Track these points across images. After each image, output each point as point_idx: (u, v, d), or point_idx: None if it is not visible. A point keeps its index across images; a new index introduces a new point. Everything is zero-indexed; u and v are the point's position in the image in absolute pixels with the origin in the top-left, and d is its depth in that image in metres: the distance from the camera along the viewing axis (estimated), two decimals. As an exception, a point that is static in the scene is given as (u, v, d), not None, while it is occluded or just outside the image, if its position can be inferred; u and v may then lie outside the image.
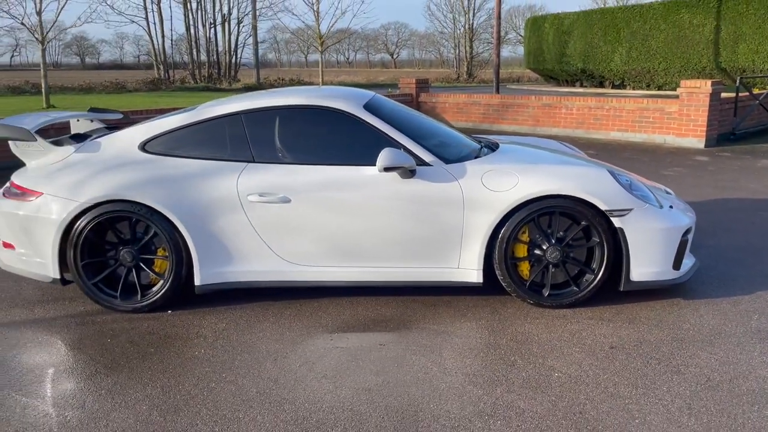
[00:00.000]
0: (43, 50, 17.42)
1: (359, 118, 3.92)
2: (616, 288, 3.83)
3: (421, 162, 3.80)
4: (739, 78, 11.78)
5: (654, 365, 3.14)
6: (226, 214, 3.78)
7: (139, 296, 3.85)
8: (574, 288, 3.82)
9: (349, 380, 3.03)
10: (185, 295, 3.95)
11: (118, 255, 3.84)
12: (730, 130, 11.37)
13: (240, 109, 4.01)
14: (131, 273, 3.87)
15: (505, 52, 68.39)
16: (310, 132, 3.98)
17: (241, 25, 34.25)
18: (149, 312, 3.85)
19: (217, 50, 33.86)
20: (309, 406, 2.81)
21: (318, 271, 3.86)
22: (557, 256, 3.77)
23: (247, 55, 36.93)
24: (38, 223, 3.80)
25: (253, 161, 3.87)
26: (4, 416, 2.76)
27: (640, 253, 3.72)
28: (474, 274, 3.81)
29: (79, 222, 3.74)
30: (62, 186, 3.78)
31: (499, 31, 16.45)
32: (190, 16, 32.81)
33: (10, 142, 4.04)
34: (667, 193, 4.40)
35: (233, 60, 34.29)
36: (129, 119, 6.00)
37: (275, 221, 3.78)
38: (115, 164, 3.85)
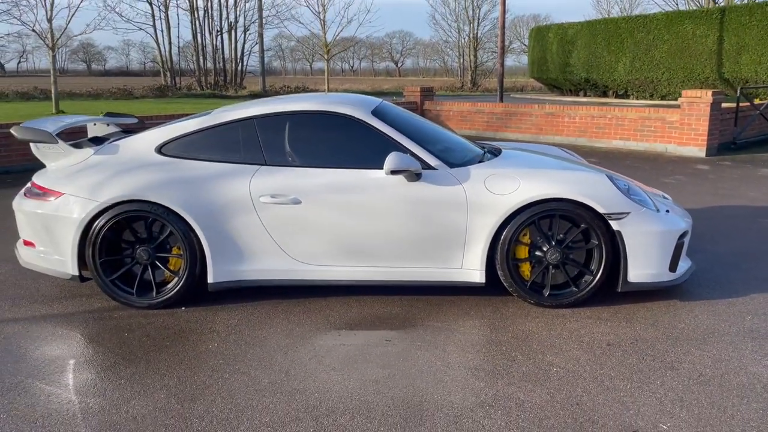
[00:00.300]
0: (54, 57, 17.68)
1: (367, 123, 4.07)
2: (614, 289, 3.97)
3: (427, 166, 3.95)
4: (739, 88, 11.93)
5: (649, 361, 3.27)
6: (239, 215, 3.93)
7: (154, 293, 4.00)
8: (574, 288, 3.96)
9: (357, 372, 3.17)
10: (198, 292, 4.10)
11: (135, 253, 4.00)
12: (731, 139, 11.51)
13: (253, 114, 4.17)
14: (147, 271, 4.02)
15: (509, 61, 68.79)
16: (320, 136, 4.14)
17: (248, 33, 34.62)
18: (164, 308, 4.00)
19: (223, 58, 34.20)
20: (319, 395, 2.95)
21: (326, 271, 4.01)
22: (557, 257, 3.91)
23: (252, 62, 37.24)
24: (59, 222, 3.96)
25: (266, 164, 4.03)
26: (30, 403, 2.91)
27: (637, 255, 3.85)
28: (477, 275, 3.95)
29: (98, 221, 3.90)
30: (82, 186, 3.95)
31: (503, 41, 16.64)
32: (197, 24, 33.16)
33: (31, 144, 4.21)
34: (665, 198, 4.54)
35: (239, 67, 34.62)
36: (144, 124, 6.17)
37: (286, 222, 3.94)
38: (133, 166, 4.02)
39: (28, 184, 4.25)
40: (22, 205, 4.13)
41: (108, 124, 5.04)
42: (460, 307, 4.00)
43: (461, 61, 49.29)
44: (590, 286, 3.93)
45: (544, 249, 3.94)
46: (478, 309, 3.98)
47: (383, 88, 39.65)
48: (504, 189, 3.85)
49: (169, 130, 4.20)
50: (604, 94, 27.25)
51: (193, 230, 3.91)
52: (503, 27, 16.69)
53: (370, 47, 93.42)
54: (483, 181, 3.90)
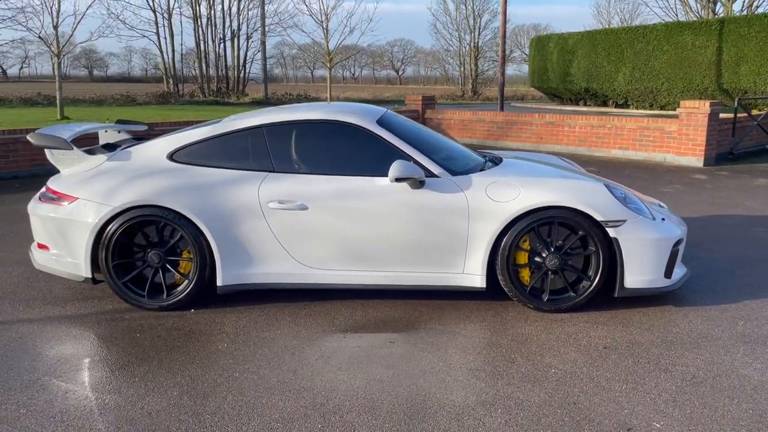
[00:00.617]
0: (59, 63, 17.86)
1: (372, 132, 4.21)
2: (610, 294, 4.09)
3: (430, 174, 4.08)
4: (737, 99, 12.09)
5: (644, 364, 3.39)
6: (248, 220, 4.06)
7: (164, 295, 4.12)
8: (572, 293, 4.08)
9: (362, 372, 3.29)
10: (206, 295, 4.23)
11: (146, 257, 4.12)
12: (729, 149, 11.66)
13: (261, 123, 4.31)
14: (158, 273, 4.14)
15: (510, 70, 69.11)
16: (326, 144, 4.27)
17: (250, 40, 34.84)
18: (174, 310, 4.12)
19: (225, 65, 34.42)
20: (326, 393, 3.07)
21: (332, 275, 4.13)
22: (556, 263, 4.03)
23: (255, 70, 37.48)
24: (73, 226, 4.08)
25: (274, 171, 4.16)
26: (48, 399, 3.03)
27: (633, 261, 3.98)
28: (478, 279, 4.08)
29: (111, 225, 4.03)
30: (96, 191, 4.08)
31: (504, 51, 16.82)
32: (200, 32, 33.39)
33: (46, 150, 4.34)
34: (660, 206, 4.66)
35: (241, 75, 34.84)
36: (153, 131, 6.32)
37: (293, 227, 4.06)
38: (146, 172, 4.15)
39: (43, 189, 4.38)
40: (37, 209, 4.26)
41: (119, 131, 5.18)
42: (461, 311, 4.12)
43: (462, 69, 49.55)
44: (588, 292, 4.05)
45: (544, 255, 4.06)
46: (479, 313, 4.10)
47: (384, 96, 39.88)
48: (505, 197, 3.98)
49: (180, 138, 4.33)
50: (604, 104, 27.43)
51: (203, 234, 4.03)
52: (504, 37, 16.88)
53: (371, 55, 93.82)
54: (484, 188, 4.03)
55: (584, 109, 26.81)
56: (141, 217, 4.02)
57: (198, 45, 33.54)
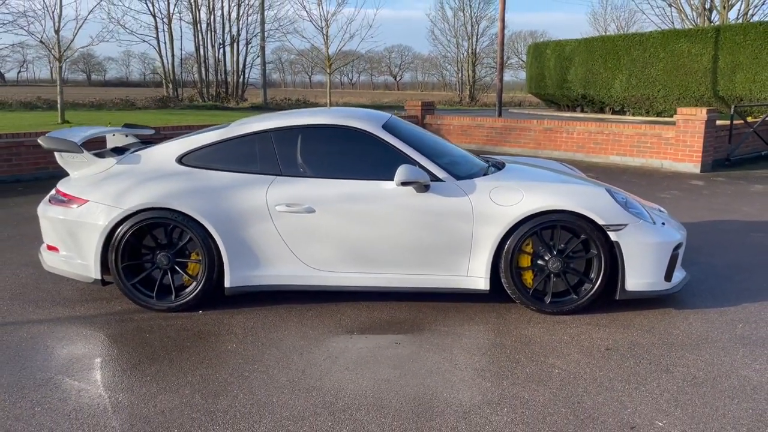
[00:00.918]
0: (60, 67, 17.93)
1: (378, 137, 4.28)
2: (612, 297, 4.16)
3: (435, 178, 4.16)
4: (733, 106, 12.22)
5: (645, 365, 3.46)
6: (256, 223, 4.13)
7: (173, 296, 4.18)
8: (574, 296, 4.15)
9: (370, 372, 3.35)
10: (214, 296, 4.29)
11: (155, 258, 4.18)
12: (725, 156, 11.78)
13: (269, 127, 4.38)
14: (166, 275, 4.20)
15: (507, 76, 69.40)
16: (333, 149, 4.34)
17: (250, 45, 34.96)
18: (182, 311, 4.18)
19: (225, 70, 34.52)
20: (335, 392, 3.13)
21: (338, 277, 4.20)
22: (558, 266, 4.11)
23: (254, 75, 37.58)
24: (83, 228, 4.14)
25: (281, 175, 4.23)
26: (62, 397, 3.08)
27: (634, 265, 4.05)
28: (481, 282, 4.15)
29: (121, 227, 4.09)
30: (107, 194, 4.14)
31: (502, 57, 16.96)
32: (200, 37, 33.50)
33: (56, 153, 4.40)
34: (660, 211, 4.75)
35: (241, 80, 34.94)
36: (160, 134, 6.38)
37: (300, 230, 4.13)
38: (155, 175, 4.21)
39: (53, 192, 4.44)
40: (47, 212, 4.32)
41: (126, 135, 5.24)
42: (464, 313, 4.19)
43: (460, 75, 49.77)
44: (589, 294, 4.12)
45: (546, 258, 4.13)
46: (482, 315, 4.17)
47: (383, 101, 40.01)
48: (508, 201, 4.06)
49: (189, 142, 4.40)
50: (601, 110, 27.60)
51: (211, 237, 4.10)
52: (502, 44, 17.02)
53: (369, 61, 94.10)
54: (488, 192, 4.10)
55: (581, 115, 26.97)
56: (151, 220, 4.08)
57: (197, 50, 33.66)
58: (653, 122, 20.07)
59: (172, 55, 33.11)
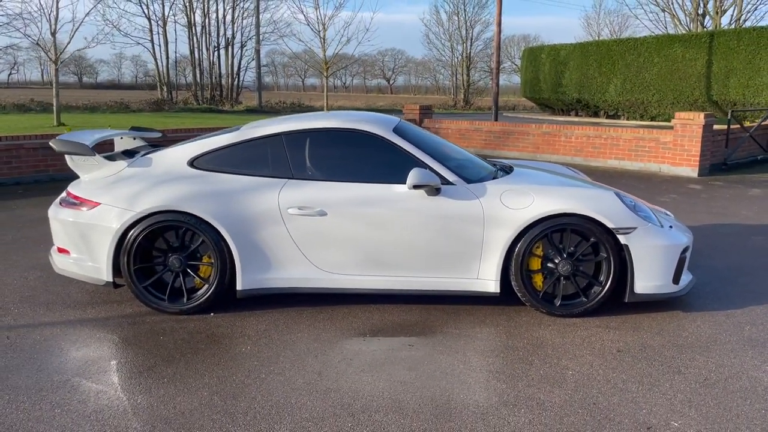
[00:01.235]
0: (57, 70, 17.86)
1: (389, 140, 4.31)
2: (621, 299, 4.21)
3: (446, 181, 4.19)
4: (730, 111, 12.34)
5: (657, 366, 3.50)
6: (268, 226, 4.15)
7: (185, 299, 4.19)
8: (584, 299, 4.19)
9: (385, 374, 3.38)
10: (226, 299, 4.30)
11: (167, 261, 4.19)
12: (722, 160, 11.89)
13: (281, 131, 4.40)
14: (178, 278, 4.21)
15: (501, 80, 69.46)
16: (344, 152, 4.37)
17: (244, 48, 34.95)
18: (194, 314, 4.19)
19: (219, 73, 34.48)
20: (352, 394, 3.16)
21: (350, 279, 4.22)
22: (568, 269, 4.15)
23: (248, 78, 37.58)
24: (94, 230, 4.15)
25: (293, 178, 4.26)
26: (81, 399, 3.09)
27: (643, 267, 4.10)
28: (492, 285, 4.18)
29: (133, 230, 4.10)
30: (119, 197, 4.15)
31: (498, 61, 17.04)
32: (195, 40, 33.46)
33: (66, 156, 4.41)
34: (667, 215, 4.80)
35: (235, 83, 34.91)
36: (167, 137, 6.39)
37: (312, 233, 4.15)
38: (167, 178, 4.22)
39: (63, 194, 4.45)
40: (58, 214, 4.32)
41: (134, 138, 5.25)
42: (475, 316, 4.22)
43: (454, 79, 49.93)
44: (599, 297, 4.16)
45: (556, 261, 4.17)
46: (493, 317, 4.20)
47: (377, 105, 40.05)
48: (519, 204, 4.09)
49: (200, 145, 4.42)
50: (596, 115, 27.77)
51: (224, 239, 4.11)
52: (498, 47, 17.11)
53: (362, 64, 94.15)
54: (499, 196, 4.14)
55: (576, 119, 27.13)
56: (163, 223, 4.09)
57: (192, 53, 33.62)
58: (648, 126, 20.21)
59: (167, 58, 33.10)
